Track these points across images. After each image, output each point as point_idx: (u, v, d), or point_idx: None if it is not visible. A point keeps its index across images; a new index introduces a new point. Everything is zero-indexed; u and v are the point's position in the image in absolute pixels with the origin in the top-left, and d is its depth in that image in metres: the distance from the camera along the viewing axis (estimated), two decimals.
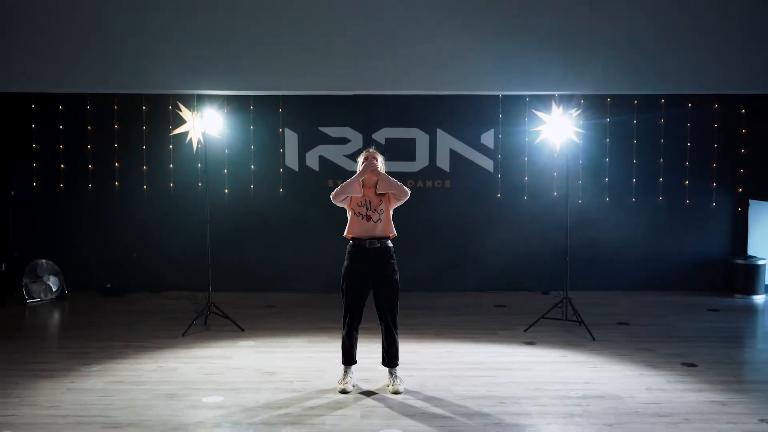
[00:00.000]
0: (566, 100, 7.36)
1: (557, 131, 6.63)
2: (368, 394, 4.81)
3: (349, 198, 4.88)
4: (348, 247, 4.92)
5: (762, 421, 4.31)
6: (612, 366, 5.43)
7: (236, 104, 8.17)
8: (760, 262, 8.08)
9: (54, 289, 7.93)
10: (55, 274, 7.96)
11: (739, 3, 6.33)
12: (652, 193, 8.39)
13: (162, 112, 8.23)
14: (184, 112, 6.76)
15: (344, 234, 4.95)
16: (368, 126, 8.32)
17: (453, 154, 8.38)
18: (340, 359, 4.98)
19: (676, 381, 5.07)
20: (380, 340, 4.96)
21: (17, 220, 8.09)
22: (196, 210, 7.89)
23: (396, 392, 4.80)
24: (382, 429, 4.19)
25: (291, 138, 8.37)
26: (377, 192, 4.91)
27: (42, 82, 6.53)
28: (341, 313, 4.93)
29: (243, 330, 6.50)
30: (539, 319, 6.65)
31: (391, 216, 4.95)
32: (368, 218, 4.85)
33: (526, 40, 6.12)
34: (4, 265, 7.79)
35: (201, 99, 7.57)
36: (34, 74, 6.37)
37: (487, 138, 8.37)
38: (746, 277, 8.09)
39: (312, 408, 4.54)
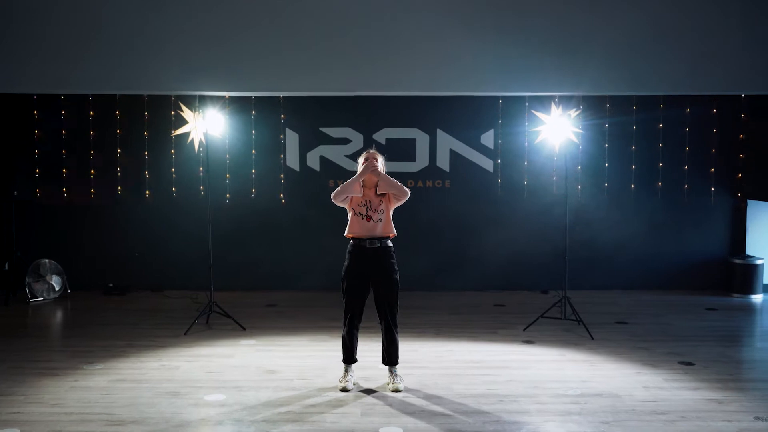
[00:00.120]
0: (565, 101, 7.42)
1: (556, 132, 6.68)
2: (368, 392, 4.87)
3: (349, 198, 4.93)
4: (348, 246, 4.97)
5: (757, 419, 4.36)
6: (610, 364, 5.48)
7: (237, 105, 8.22)
8: (758, 262, 8.12)
9: (57, 289, 7.98)
10: (58, 274, 8.02)
11: (737, 4, 6.36)
12: (651, 192, 8.44)
13: (164, 112, 8.28)
14: (186, 113, 6.81)
15: (345, 234, 5.00)
16: (369, 126, 8.37)
17: (453, 154, 8.43)
18: (341, 358, 5.03)
19: (674, 379, 5.12)
20: (380, 339, 5.01)
21: (20, 219, 8.15)
22: (197, 209, 7.94)
23: (396, 390, 4.86)
24: (383, 426, 4.24)
25: (292, 138, 8.42)
26: (377, 192, 4.96)
27: (45, 83, 6.57)
28: (342, 312, 4.98)
29: (244, 329, 6.56)
30: (538, 318, 6.70)
31: (392, 216, 5.00)
32: (368, 218, 4.90)
33: (525, 41, 6.15)
34: (7, 265, 7.85)
35: (203, 100, 7.62)
36: (36, 75, 6.40)
37: (487, 138, 8.42)
38: (744, 276, 8.13)
39: (313, 406, 4.59)
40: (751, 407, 4.56)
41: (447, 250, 8.45)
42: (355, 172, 5.02)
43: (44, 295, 7.89)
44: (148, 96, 8.23)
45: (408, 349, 5.75)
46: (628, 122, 8.36)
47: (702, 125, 8.38)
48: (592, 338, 6.23)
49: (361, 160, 5.04)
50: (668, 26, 6.35)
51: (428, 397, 4.75)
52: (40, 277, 7.90)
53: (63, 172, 8.37)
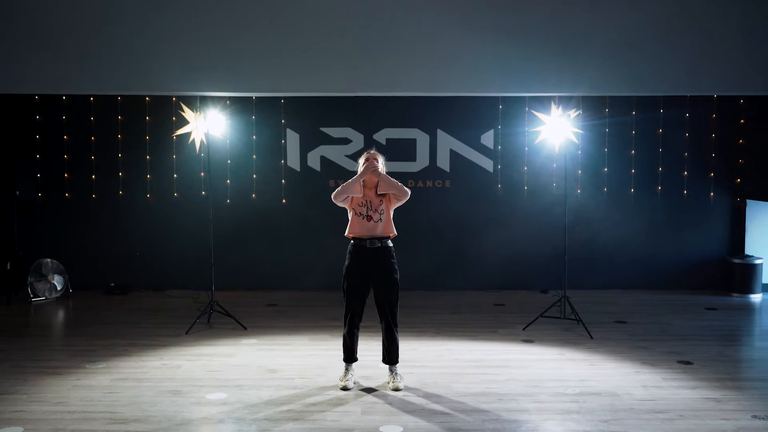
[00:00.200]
0: (565, 101, 7.44)
1: (556, 132, 6.71)
2: (369, 390, 4.90)
3: (349, 198, 4.96)
4: (349, 246, 5.00)
5: (755, 417, 4.39)
6: (609, 363, 5.51)
7: (238, 105, 8.25)
8: (757, 262, 8.15)
9: (59, 288, 8.02)
10: (60, 273, 8.06)
11: (736, 5, 6.39)
12: (651, 192, 8.47)
13: (165, 112, 8.31)
14: (187, 113, 6.84)
15: (345, 234, 5.03)
16: (369, 126, 8.40)
17: (453, 154, 8.46)
18: (341, 357, 5.06)
19: (672, 378, 5.15)
20: (381, 338, 5.04)
21: (22, 219, 8.19)
22: (198, 209, 7.98)
23: (396, 389, 4.89)
24: (383, 425, 4.27)
25: (292, 138, 8.45)
26: (378, 192, 4.99)
27: (46, 84, 6.61)
28: (342, 311, 5.02)
29: (245, 328, 6.59)
30: (538, 317, 6.74)
31: (392, 216, 5.03)
32: (369, 218, 4.94)
33: (525, 42, 6.19)
34: (9, 264, 7.89)
35: (204, 100, 7.65)
36: (38, 76, 6.44)
37: (487, 138, 8.45)
38: (743, 276, 8.16)
39: (314, 404, 4.63)
40: (748, 406, 4.59)
41: (447, 250, 8.48)
42: (356, 172, 5.05)
43: (46, 294, 7.93)
44: (150, 96, 8.26)
45: (408, 348, 5.79)
46: (627, 122, 8.39)
47: (701, 126, 8.41)
48: (592, 337, 6.26)
49: (361, 160, 5.07)
50: (667, 27, 6.38)
51: (428, 396, 4.78)
52: (42, 277, 7.93)
53: (65, 172, 8.40)
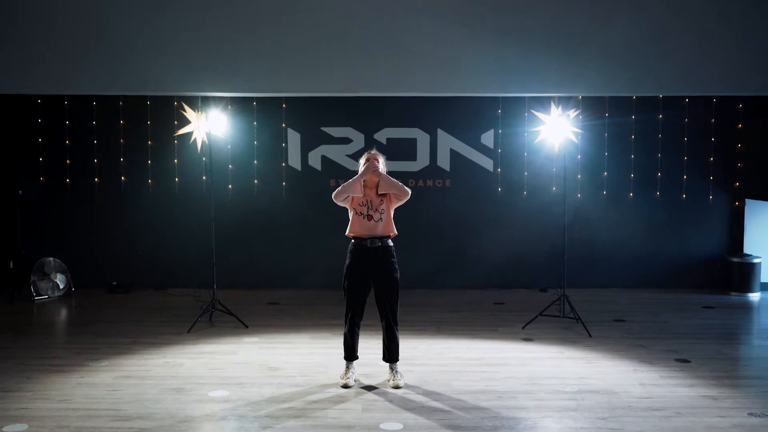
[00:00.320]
0: (565, 101, 7.48)
1: (556, 132, 6.77)
2: (369, 388, 4.95)
3: (350, 198, 5.01)
4: (349, 245, 5.05)
5: (751, 414, 4.44)
6: (607, 362, 5.56)
7: (240, 105, 8.30)
8: (756, 261, 8.20)
9: (61, 287, 8.08)
10: (63, 272, 8.11)
11: (734, 5, 6.42)
12: (650, 191, 8.51)
13: (167, 112, 8.36)
14: (189, 113, 6.89)
15: (346, 233, 5.08)
16: (370, 126, 8.45)
17: (453, 153, 8.51)
18: (342, 355, 5.12)
19: (670, 376, 5.20)
20: (381, 337, 5.09)
21: (25, 218, 8.24)
22: (200, 209, 8.03)
23: (396, 387, 4.94)
24: (383, 422, 4.33)
25: (293, 138, 8.50)
26: (379, 192, 5.04)
27: (49, 84, 6.62)
28: (343, 310, 5.07)
29: (247, 326, 6.64)
30: (537, 316, 6.79)
31: (392, 215, 5.08)
32: (369, 218, 4.98)
33: (525, 43, 6.21)
34: (12, 263, 7.94)
35: (205, 100, 7.69)
36: (40, 77, 6.46)
37: (487, 138, 8.49)
38: (742, 275, 8.21)
39: (315, 402, 4.68)
40: (745, 403, 4.64)
41: (447, 249, 8.53)
42: (357, 172, 5.10)
43: (49, 293, 7.98)
44: (151, 97, 8.31)
45: (408, 346, 5.84)
46: (627, 122, 8.43)
47: (700, 125, 8.45)
48: (590, 336, 6.31)
49: (362, 160, 5.12)
50: (666, 28, 6.40)
51: (428, 394, 4.83)
52: (45, 276, 7.99)
53: (67, 172, 8.45)
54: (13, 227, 8.08)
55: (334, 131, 8.48)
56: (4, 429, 4.21)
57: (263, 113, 8.43)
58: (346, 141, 8.46)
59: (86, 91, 7.56)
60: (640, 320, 6.96)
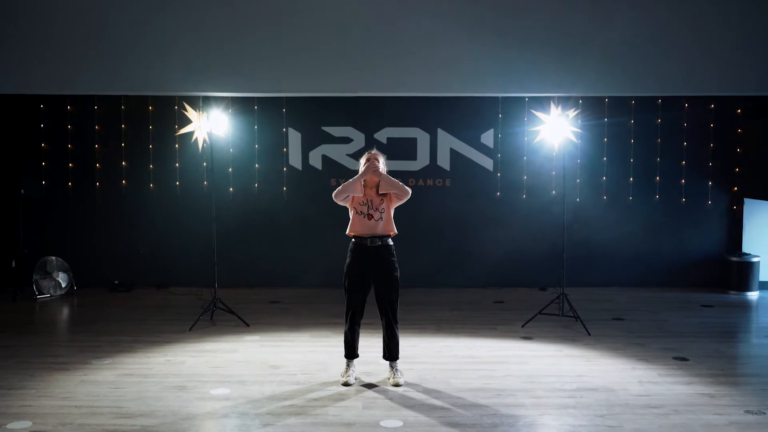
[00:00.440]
0: (564, 101, 7.52)
1: (555, 131, 6.80)
2: (370, 386, 4.99)
3: (350, 197, 5.04)
4: (350, 244, 5.09)
5: (748, 412, 4.48)
6: (606, 360, 5.60)
7: (241, 105, 8.34)
8: (754, 260, 8.24)
9: (63, 285, 8.12)
10: (65, 271, 8.15)
11: (733, 6, 6.45)
12: (649, 191, 8.55)
13: (168, 112, 8.40)
14: (190, 113, 6.93)
15: (346, 232, 5.12)
16: (370, 126, 8.49)
17: (453, 153, 8.54)
18: (343, 353, 5.16)
19: (668, 374, 5.24)
20: (381, 335, 5.13)
21: (27, 217, 8.28)
22: (201, 208, 8.06)
23: (396, 385, 4.98)
24: (383, 420, 4.37)
25: (294, 137, 8.54)
26: (379, 192, 5.08)
27: (50, 85, 6.66)
28: (344, 308, 5.11)
29: (248, 325, 6.68)
30: (536, 314, 6.83)
31: (392, 215, 5.12)
32: (370, 217, 5.02)
33: (524, 43, 6.25)
34: (14, 262, 7.99)
35: (206, 100, 7.74)
36: (42, 77, 6.50)
37: (487, 138, 8.53)
38: (740, 274, 8.25)
39: (315, 399, 4.72)
40: (742, 401, 4.68)
41: (447, 248, 8.57)
42: (357, 171, 5.14)
43: (51, 291, 8.03)
44: (153, 96, 8.35)
45: (408, 344, 5.88)
46: (626, 122, 8.47)
47: (699, 125, 8.49)
48: (589, 334, 6.35)
49: (362, 160, 5.15)
50: (665, 28, 6.44)
51: (428, 392, 4.87)
52: (47, 274, 8.03)
53: (69, 172, 8.49)
54: (15, 226, 8.12)
55: (335, 131, 8.52)
56: (8, 426, 4.25)
57: (264, 113, 8.47)
58: (347, 140, 8.50)
59: (87, 91, 7.61)
60: (638, 319, 7.00)
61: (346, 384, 5.00)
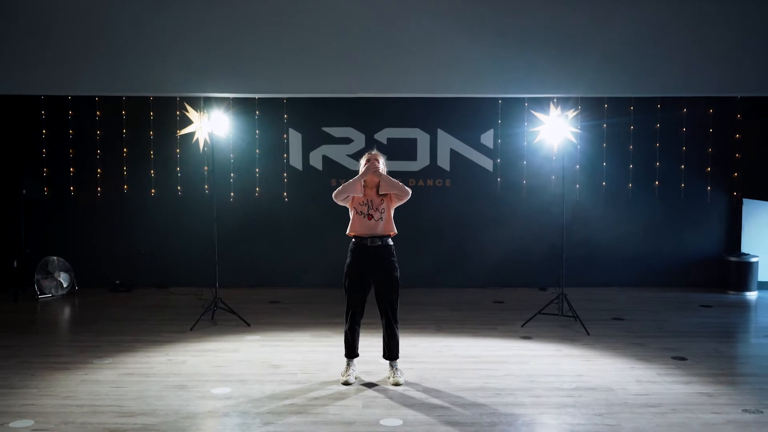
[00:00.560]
0: (564, 102, 7.54)
1: (555, 132, 6.82)
2: (370, 385, 5.02)
3: (350, 197, 5.07)
4: (350, 244, 5.11)
5: (745, 411, 4.50)
6: (605, 359, 5.63)
7: (242, 106, 8.36)
8: (753, 260, 8.26)
9: (65, 285, 8.15)
10: (66, 271, 8.18)
11: (733, 6, 6.47)
12: (648, 191, 8.57)
13: (169, 112, 8.42)
14: (191, 113, 6.95)
15: (347, 232, 5.15)
16: (370, 126, 8.51)
17: (453, 153, 8.57)
18: (343, 352, 5.18)
19: (666, 374, 5.26)
20: (381, 335, 5.16)
21: (29, 218, 8.31)
22: (201, 208, 8.08)
23: (396, 384, 5.00)
24: (383, 418, 4.39)
25: (295, 138, 8.57)
26: (379, 192, 5.10)
27: (52, 85, 6.68)
28: (344, 308, 5.13)
29: (249, 325, 6.71)
30: (536, 314, 6.85)
31: (392, 215, 5.14)
32: (370, 217, 5.05)
33: (524, 44, 6.27)
34: (16, 262, 8.01)
35: (207, 100, 7.76)
36: (44, 77, 6.52)
37: (487, 138, 8.55)
38: (739, 274, 8.27)
39: (316, 398, 4.74)
40: (739, 400, 4.70)
41: (447, 248, 8.59)
42: (358, 172, 5.17)
43: (52, 291, 8.05)
44: (154, 97, 8.37)
45: (408, 344, 5.90)
46: (625, 123, 8.49)
47: (698, 126, 8.50)
48: (588, 334, 6.38)
49: (363, 161, 5.18)
50: (664, 29, 6.46)
51: (427, 391, 4.89)
52: (49, 274, 8.06)
53: (70, 172, 8.52)
54: (17, 226, 8.15)
55: (335, 131, 8.54)
56: (10, 425, 4.28)
57: (265, 113, 8.50)
58: (347, 141, 8.52)
59: (88, 92, 7.64)
60: (638, 319, 7.02)
61: (346, 383, 5.02)
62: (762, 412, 4.49)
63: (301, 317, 7.10)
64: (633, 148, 8.51)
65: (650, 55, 6.45)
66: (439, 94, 7.59)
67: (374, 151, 5.24)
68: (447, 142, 8.55)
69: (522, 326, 6.69)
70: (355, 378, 5.11)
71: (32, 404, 4.61)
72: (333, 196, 5.06)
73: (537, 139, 7.08)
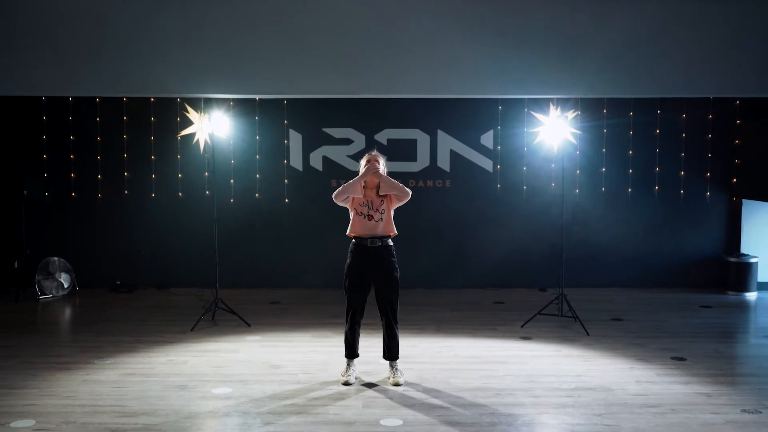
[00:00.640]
0: (563, 103, 7.56)
1: (555, 133, 6.84)
2: (370, 386, 5.03)
3: (350, 198, 5.08)
4: (350, 245, 5.13)
5: (744, 411, 4.52)
6: (604, 360, 5.64)
7: (242, 106, 8.37)
8: (753, 260, 8.27)
9: (66, 286, 8.16)
10: (67, 271, 8.19)
11: (732, 7, 6.48)
12: (648, 192, 8.58)
13: (170, 113, 8.43)
14: (192, 114, 6.97)
15: (347, 233, 5.16)
16: (371, 127, 8.52)
17: (453, 154, 8.58)
18: (343, 353, 5.20)
19: (666, 374, 5.27)
20: (381, 335, 5.17)
21: (30, 218, 8.32)
22: (202, 209, 8.10)
23: (396, 384, 5.02)
24: (383, 418, 4.40)
25: (295, 139, 8.58)
26: (379, 193, 5.12)
27: (53, 86, 6.71)
28: (344, 308, 5.15)
29: (249, 325, 6.72)
30: (536, 315, 6.86)
31: (392, 215, 5.16)
32: (370, 218, 5.06)
33: (524, 45, 6.29)
34: (17, 263, 8.03)
35: (208, 101, 7.78)
36: (45, 78, 6.54)
37: (487, 139, 8.57)
38: (739, 274, 8.28)
39: (316, 399, 4.76)
40: (739, 401, 4.71)
41: (447, 249, 8.61)
42: (358, 172, 5.18)
43: (53, 292, 8.07)
44: (155, 99, 8.39)
45: (408, 344, 5.91)
46: (625, 124, 8.50)
47: (698, 127, 8.51)
48: (588, 334, 6.39)
49: (363, 161, 5.19)
50: (664, 30, 6.47)
51: (427, 391, 4.91)
52: (50, 275, 8.07)
53: (71, 172, 8.54)
54: (17, 227, 8.17)
55: (336, 132, 8.56)
56: (11, 425, 4.29)
57: (265, 114, 8.51)
58: (347, 142, 8.54)
59: (89, 93, 7.66)
60: (637, 319, 7.03)
61: (346, 383, 5.04)
62: (761, 412, 4.51)
63: (301, 317, 7.11)
64: (632, 148, 8.51)
65: (650, 55, 6.47)
66: (439, 95, 7.61)
67: (374, 152, 5.25)
68: (447, 142, 8.57)
69: (522, 327, 6.71)
70: (356, 378, 5.12)
71: (33, 404, 4.63)
72: (333, 196, 5.08)
73: (537, 140, 7.09)
